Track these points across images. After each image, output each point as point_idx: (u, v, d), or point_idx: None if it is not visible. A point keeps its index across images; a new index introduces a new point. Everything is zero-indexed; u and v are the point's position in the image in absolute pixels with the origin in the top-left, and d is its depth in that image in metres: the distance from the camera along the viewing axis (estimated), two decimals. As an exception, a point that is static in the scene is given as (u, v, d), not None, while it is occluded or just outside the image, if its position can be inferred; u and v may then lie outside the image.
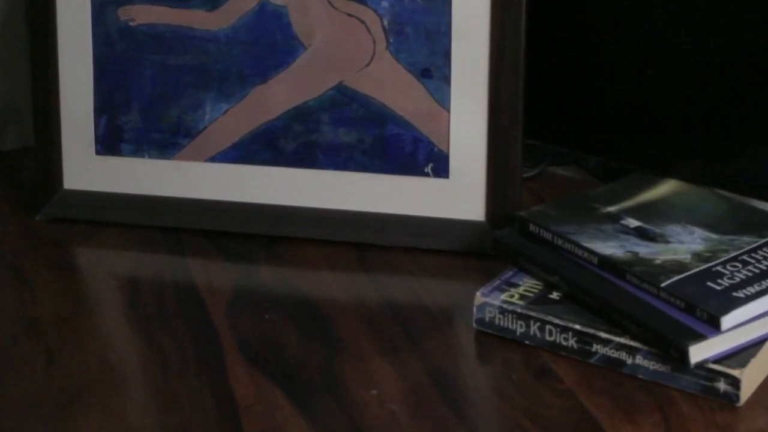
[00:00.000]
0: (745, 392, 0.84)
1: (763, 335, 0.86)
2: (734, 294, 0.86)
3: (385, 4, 1.08)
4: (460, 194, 1.09)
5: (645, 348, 0.87)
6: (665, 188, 1.05)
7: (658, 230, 0.97)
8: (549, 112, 1.19)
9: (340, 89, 1.11)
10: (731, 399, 0.84)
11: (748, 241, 0.94)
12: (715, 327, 0.84)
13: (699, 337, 0.84)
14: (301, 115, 1.12)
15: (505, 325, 0.93)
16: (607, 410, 0.84)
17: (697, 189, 1.05)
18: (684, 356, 0.83)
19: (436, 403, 0.86)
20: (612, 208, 1.01)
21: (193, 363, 0.92)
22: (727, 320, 0.84)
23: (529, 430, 0.83)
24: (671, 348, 0.84)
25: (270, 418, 0.84)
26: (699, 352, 0.83)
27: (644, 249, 0.94)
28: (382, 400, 0.86)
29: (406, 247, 1.10)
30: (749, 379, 0.84)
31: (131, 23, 1.14)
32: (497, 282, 0.96)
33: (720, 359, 0.84)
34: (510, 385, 0.88)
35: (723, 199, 1.03)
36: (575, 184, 1.23)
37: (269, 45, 1.11)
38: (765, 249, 0.93)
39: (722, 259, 0.91)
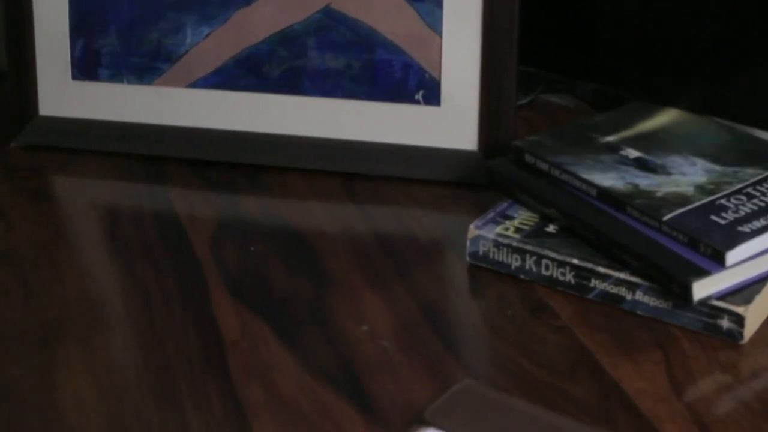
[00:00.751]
0: (749, 330, 0.81)
1: (768, 271, 0.84)
2: (739, 228, 0.83)
3: None
4: (451, 122, 1.05)
5: (645, 284, 0.84)
6: (665, 117, 1.01)
7: (658, 161, 0.93)
8: (543, 36, 1.15)
9: (327, 12, 1.07)
10: (734, 337, 0.81)
11: (752, 173, 0.91)
12: (719, 262, 0.81)
13: (702, 273, 0.81)
14: (286, 39, 1.08)
15: (500, 259, 0.90)
16: (606, 347, 0.82)
17: (699, 118, 1.01)
18: (687, 293, 0.80)
19: (429, 340, 0.83)
20: (610, 138, 0.97)
21: (176, 296, 0.89)
22: (732, 255, 0.81)
23: (525, 366, 0.80)
24: (673, 284, 0.81)
25: (257, 354, 0.82)
26: (702, 289, 0.80)
27: (645, 181, 0.90)
28: (373, 335, 0.84)
29: (396, 176, 1.07)
30: (753, 317, 0.81)
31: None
32: (491, 214, 0.93)
33: (723, 296, 0.81)
34: (505, 320, 0.86)
35: (725, 129, 0.99)
36: (569, 112, 1.19)
37: (253, -35, 1.08)
38: (770, 181, 0.90)
39: (726, 192, 0.88)
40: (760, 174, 0.91)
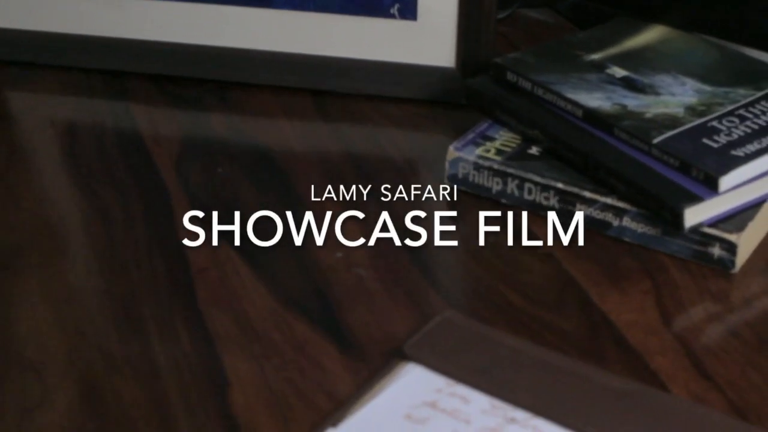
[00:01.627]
0: (741, 258, 0.78)
1: (761, 197, 0.80)
2: (732, 152, 0.79)
3: None
4: (428, 38, 1.00)
5: (633, 209, 0.80)
6: (651, 34, 0.97)
7: (646, 81, 0.89)
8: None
9: None
10: (726, 265, 0.78)
11: (744, 94, 0.87)
12: (712, 188, 0.77)
13: (695, 199, 0.77)
14: (255, -52, 1.03)
15: (481, 183, 0.86)
16: (593, 276, 0.78)
17: (686, 35, 0.97)
18: (678, 219, 0.77)
19: (407, 268, 0.80)
20: (596, 56, 0.93)
21: (140, 221, 0.85)
22: (726, 181, 0.77)
23: (508, 296, 0.77)
24: (664, 210, 0.78)
25: (226, 283, 0.78)
26: (694, 215, 0.77)
27: (633, 101, 0.86)
28: (348, 263, 0.80)
29: (370, 94, 1.02)
30: (745, 245, 0.78)
31: None
32: (471, 135, 0.88)
33: (715, 223, 0.78)
34: (486, 247, 0.82)
35: (715, 47, 0.95)
36: (548, 28, 1.15)
37: None
38: (763, 102, 0.86)
39: (718, 114, 0.84)
40: (752, 95, 0.87)
